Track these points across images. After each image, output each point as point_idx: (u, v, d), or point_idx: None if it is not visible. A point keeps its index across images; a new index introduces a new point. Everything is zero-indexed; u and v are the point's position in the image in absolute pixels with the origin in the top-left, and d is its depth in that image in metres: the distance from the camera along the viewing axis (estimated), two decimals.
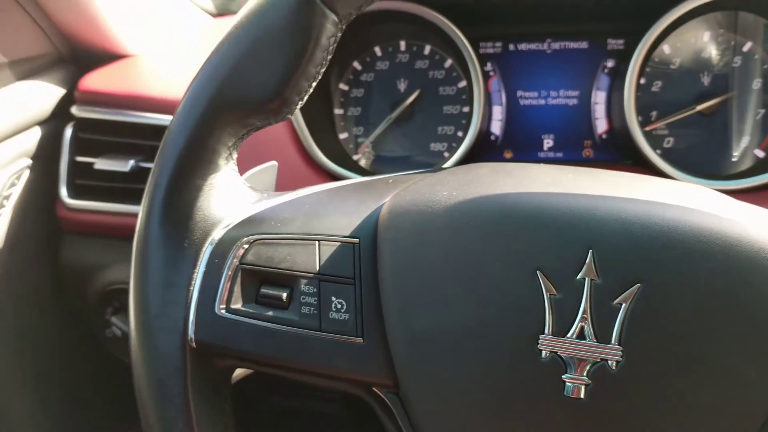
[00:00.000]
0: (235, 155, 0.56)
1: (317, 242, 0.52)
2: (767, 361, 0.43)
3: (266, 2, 0.50)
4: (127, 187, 1.03)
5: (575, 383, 0.45)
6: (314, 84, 0.54)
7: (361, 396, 0.53)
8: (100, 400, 1.21)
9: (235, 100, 0.51)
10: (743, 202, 0.50)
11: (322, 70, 0.54)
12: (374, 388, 0.52)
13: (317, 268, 0.51)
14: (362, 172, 1.03)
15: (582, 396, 0.45)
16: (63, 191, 1.05)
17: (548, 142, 1.07)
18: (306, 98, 0.55)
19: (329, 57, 0.53)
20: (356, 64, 1.09)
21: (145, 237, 0.53)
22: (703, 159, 1.02)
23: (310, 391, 1.12)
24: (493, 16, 1.05)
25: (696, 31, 1.01)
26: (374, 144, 1.09)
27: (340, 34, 0.53)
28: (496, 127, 1.07)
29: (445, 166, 0.99)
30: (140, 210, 0.53)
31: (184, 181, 0.52)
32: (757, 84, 1.01)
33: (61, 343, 1.17)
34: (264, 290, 0.52)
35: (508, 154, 1.08)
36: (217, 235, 0.53)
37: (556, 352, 0.45)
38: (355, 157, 1.09)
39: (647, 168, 0.96)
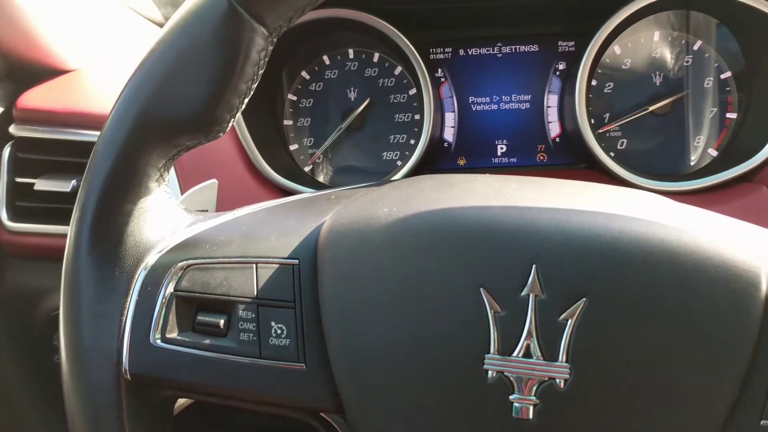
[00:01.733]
0: (166, 176, 0.54)
1: (254, 265, 0.50)
2: (719, 372, 0.43)
3: (191, 16, 0.48)
4: (69, 208, 0.97)
5: (523, 404, 0.44)
6: (246, 100, 0.52)
7: (307, 421, 0.52)
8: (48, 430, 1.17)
9: (163, 119, 0.49)
10: (693, 207, 0.49)
11: (254, 85, 0.52)
12: (321, 413, 0.50)
13: (255, 293, 0.49)
14: (314, 184, 1.01)
15: (530, 417, 0.44)
16: (3, 214, 1.01)
17: (502, 148, 1.06)
18: (238, 115, 0.53)
19: (261, 72, 0.51)
20: (304, 74, 1.07)
21: (73, 266, 0.51)
22: (658, 160, 1.01)
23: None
24: (441, 21, 1.04)
25: (646, 32, 1.01)
26: (326, 155, 1.07)
27: (271, 48, 0.51)
28: (449, 134, 1.06)
29: (397, 174, 0.98)
30: (67, 237, 0.51)
31: (112, 206, 0.50)
32: (708, 82, 1.01)
33: (10, 369, 1.13)
34: (200, 317, 0.51)
35: (461, 161, 1.07)
36: (149, 261, 0.51)
37: (502, 372, 0.44)
38: (306, 169, 1.07)
39: (601, 171, 0.95)
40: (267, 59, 0.51)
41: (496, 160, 1.06)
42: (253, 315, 0.49)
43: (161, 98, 0.49)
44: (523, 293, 0.44)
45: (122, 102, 0.50)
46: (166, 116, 0.49)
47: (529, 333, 0.44)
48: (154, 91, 0.49)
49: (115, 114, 0.50)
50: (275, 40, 0.51)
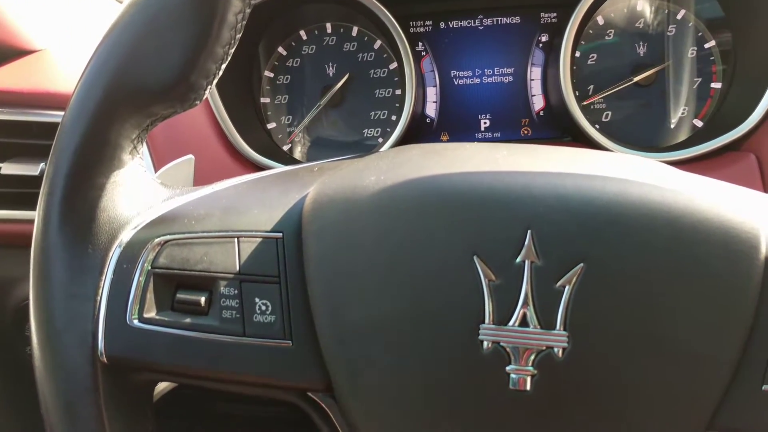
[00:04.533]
0: (141, 148, 0.52)
1: (236, 239, 0.48)
2: (720, 336, 0.42)
3: None
4: (38, 193, 0.95)
5: (520, 374, 0.43)
6: (223, 66, 0.50)
7: (294, 402, 0.50)
8: (20, 425, 1.14)
9: (134, 87, 0.47)
10: (687, 172, 0.48)
11: (231, 50, 0.49)
12: (309, 393, 0.49)
13: (237, 268, 0.47)
14: (293, 162, 0.99)
15: (528, 388, 0.43)
16: None
17: (485, 123, 1.05)
18: (215, 82, 0.50)
19: (239, 36, 0.49)
20: (281, 50, 1.05)
21: (43, 245, 0.48)
22: (643, 131, 1.01)
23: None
24: None
25: (629, 1, 1.00)
26: (305, 132, 1.05)
27: (248, 11, 0.49)
28: (431, 109, 1.04)
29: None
30: (36, 215, 0.49)
31: (83, 179, 0.48)
32: (692, 52, 1.00)
33: None
34: (180, 295, 0.49)
35: (444, 137, 1.05)
36: (125, 237, 0.49)
37: (498, 343, 0.43)
38: (285, 148, 1.05)
39: (587, 143, 0.94)
40: (245, 22, 0.49)
41: (480, 135, 1.05)
42: (236, 291, 0.47)
43: (132, 65, 0.46)
44: (519, 260, 0.42)
45: (91, 70, 0.47)
46: (139, 84, 0.46)
47: (525, 301, 0.42)
48: (125, 57, 0.46)
49: (83, 83, 0.47)
50: (253, 2, 0.49)
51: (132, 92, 0.47)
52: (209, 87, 0.50)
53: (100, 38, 0.47)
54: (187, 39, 0.46)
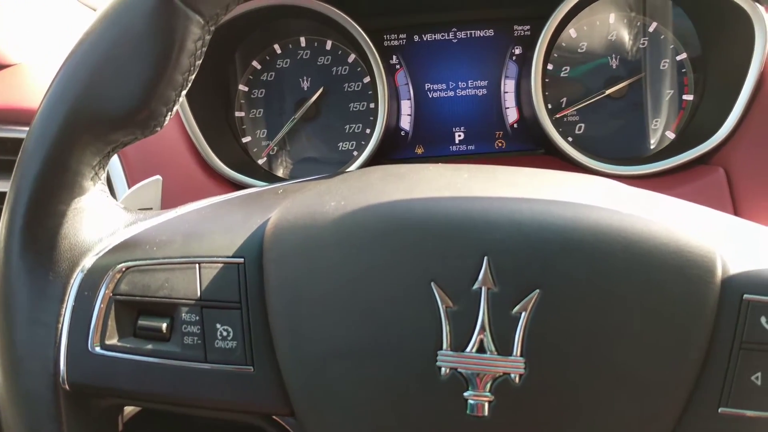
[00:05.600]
0: (102, 174, 0.51)
1: (197, 265, 0.48)
2: (676, 360, 0.42)
3: (121, 4, 0.46)
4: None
5: (478, 400, 0.43)
6: (183, 93, 0.50)
7: (259, 425, 0.51)
8: None
9: (94, 114, 0.47)
10: (647, 192, 0.49)
11: (191, 77, 0.50)
12: (273, 416, 0.49)
13: (198, 294, 0.47)
14: (269, 177, 0.99)
15: (486, 413, 0.43)
16: None
17: (459, 135, 1.05)
18: (175, 108, 0.50)
19: (198, 62, 0.49)
20: (255, 64, 1.04)
21: (4, 271, 0.48)
22: (616, 144, 1.01)
23: None
24: (395, 6, 1.02)
25: (602, 14, 1.00)
26: (280, 146, 1.05)
27: (208, 37, 0.49)
28: (406, 122, 1.04)
29: (353, 165, 0.97)
30: None
31: (43, 207, 0.48)
32: (665, 64, 1.00)
33: None
34: (141, 322, 0.49)
35: (419, 150, 1.05)
36: (86, 264, 0.49)
37: (456, 369, 0.43)
38: (260, 162, 1.05)
39: (559, 157, 0.94)
40: (204, 49, 0.49)
41: (454, 148, 1.05)
42: (197, 317, 0.47)
43: (92, 92, 0.46)
44: (475, 287, 0.43)
45: (51, 96, 0.47)
46: (98, 112, 0.47)
47: (482, 327, 0.42)
48: (85, 84, 0.46)
49: (44, 109, 0.47)
50: (212, 28, 0.49)
51: (92, 120, 0.47)
52: (169, 114, 0.50)
53: (61, 61, 0.47)
54: (146, 67, 0.46)
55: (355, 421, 0.45)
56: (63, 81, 0.47)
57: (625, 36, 1.01)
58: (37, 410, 0.48)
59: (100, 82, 0.46)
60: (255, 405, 0.47)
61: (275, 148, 1.05)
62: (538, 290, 0.42)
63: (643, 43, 1.00)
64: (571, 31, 1.00)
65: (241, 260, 0.47)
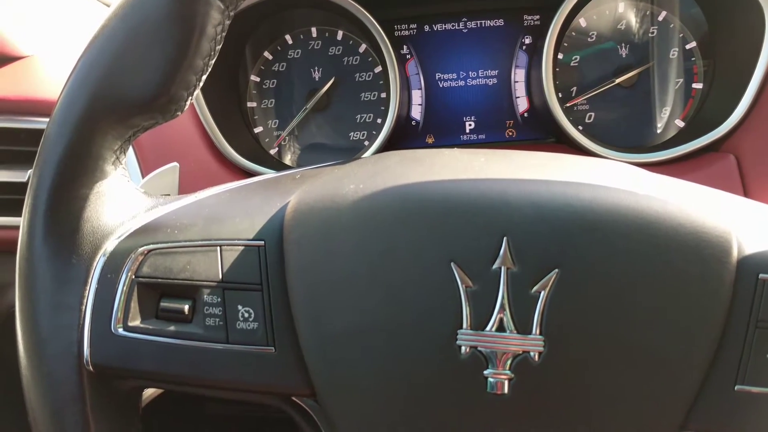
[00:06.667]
0: (123, 159, 0.52)
1: (219, 248, 0.48)
2: (692, 339, 0.42)
3: None
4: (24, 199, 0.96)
5: (498, 378, 0.43)
6: (204, 77, 0.50)
7: (279, 406, 0.51)
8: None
9: (116, 99, 0.47)
10: (663, 176, 0.49)
11: (212, 61, 0.50)
12: (293, 397, 0.49)
13: (220, 276, 0.48)
14: (280, 167, 0.99)
15: (505, 391, 0.43)
16: None
17: (470, 125, 1.05)
18: (196, 93, 0.51)
19: (218, 47, 0.50)
20: (267, 54, 1.05)
21: (28, 255, 0.49)
22: (626, 132, 1.01)
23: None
24: None
25: (611, 3, 1.01)
26: (292, 136, 1.05)
27: (228, 22, 0.50)
28: (416, 112, 1.04)
29: (365, 155, 0.97)
30: (20, 226, 0.49)
31: (66, 191, 0.48)
32: (674, 53, 1.01)
33: None
34: (164, 304, 0.49)
35: (430, 139, 1.06)
36: (108, 247, 0.50)
37: (476, 347, 0.43)
38: (272, 152, 1.05)
39: (570, 145, 0.95)
40: (224, 34, 0.50)
41: (465, 137, 1.05)
42: (219, 299, 0.48)
43: (113, 78, 0.47)
44: (495, 266, 0.43)
45: (73, 82, 0.48)
46: (120, 97, 0.47)
47: (502, 306, 0.43)
48: (106, 70, 0.47)
49: (66, 95, 0.48)
50: (232, 14, 0.50)
51: (113, 105, 0.47)
52: (190, 98, 0.51)
53: (82, 48, 0.48)
54: (167, 52, 0.47)
55: (375, 400, 0.45)
56: (85, 67, 0.47)
57: (634, 25, 1.01)
58: (61, 392, 0.48)
59: (122, 68, 0.47)
60: (276, 386, 0.48)
61: (287, 138, 1.05)
62: (557, 270, 0.43)
63: (653, 32, 1.01)
64: (581, 21, 1.00)
65: (262, 243, 0.48)
